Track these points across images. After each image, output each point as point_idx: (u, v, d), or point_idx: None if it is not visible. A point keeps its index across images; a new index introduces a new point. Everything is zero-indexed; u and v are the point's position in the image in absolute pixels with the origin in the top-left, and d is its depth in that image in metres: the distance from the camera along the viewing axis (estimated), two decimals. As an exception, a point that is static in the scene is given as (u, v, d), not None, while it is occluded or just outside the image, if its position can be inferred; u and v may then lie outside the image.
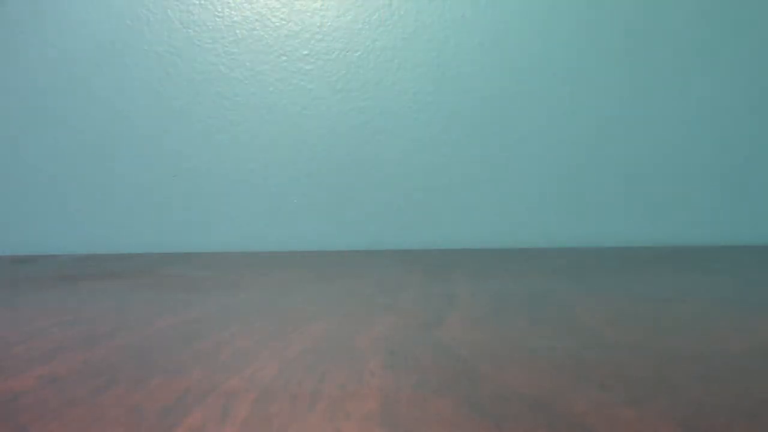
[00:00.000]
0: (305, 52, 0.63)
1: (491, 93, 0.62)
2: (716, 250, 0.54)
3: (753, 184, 0.61)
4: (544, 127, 0.62)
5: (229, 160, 0.62)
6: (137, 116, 0.63)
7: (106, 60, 0.63)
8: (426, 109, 0.62)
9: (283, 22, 0.63)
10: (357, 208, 0.62)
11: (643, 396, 0.15)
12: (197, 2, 0.63)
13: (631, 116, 0.61)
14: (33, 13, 0.63)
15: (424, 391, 0.16)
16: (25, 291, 0.36)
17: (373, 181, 0.61)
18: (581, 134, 0.61)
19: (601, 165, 0.61)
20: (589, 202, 0.61)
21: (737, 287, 0.34)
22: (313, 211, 0.62)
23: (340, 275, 0.40)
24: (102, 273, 0.45)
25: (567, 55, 0.61)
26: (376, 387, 0.16)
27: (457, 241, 0.61)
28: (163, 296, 0.33)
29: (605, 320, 0.25)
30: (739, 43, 0.61)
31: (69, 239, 0.63)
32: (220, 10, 0.63)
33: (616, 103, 0.61)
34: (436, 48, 0.62)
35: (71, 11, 0.63)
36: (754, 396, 0.15)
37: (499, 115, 0.62)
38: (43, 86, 0.63)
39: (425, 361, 0.18)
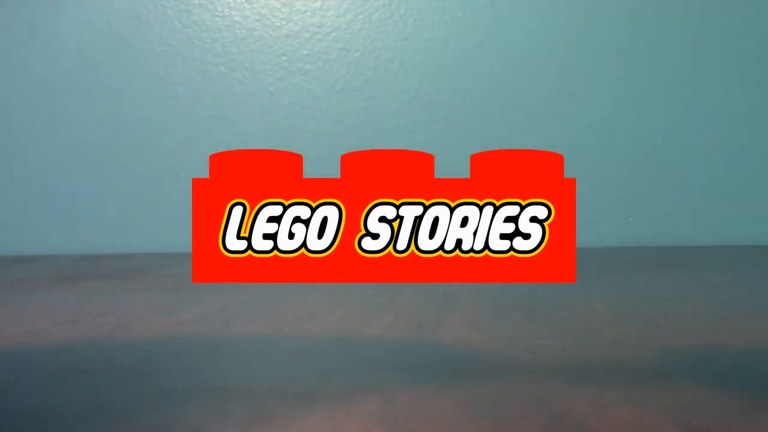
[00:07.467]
0: (305, 52, 0.63)
1: (492, 93, 0.62)
2: (716, 250, 0.54)
3: (753, 184, 0.61)
4: (544, 127, 0.62)
5: (229, 160, 0.62)
6: (137, 116, 0.63)
7: (105, 60, 0.63)
8: (426, 109, 0.62)
9: (283, 22, 0.63)
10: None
11: (644, 396, 0.15)
12: (197, 2, 0.63)
13: (631, 116, 0.61)
14: (30, 12, 0.63)
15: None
16: (25, 291, 0.36)
17: (373, 181, 0.61)
18: (581, 134, 0.61)
19: (601, 164, 0.61)
20: (588, 203, 0.61)
21: (737, 287, 0.34)
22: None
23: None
24: (102, 273, 0.45)
25: (568, 55, 0.61)
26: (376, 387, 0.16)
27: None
28: (163, 296, 0.33)
29: (605, 320, 0.25)
30: (741, 42, 0.61)
31: (68, 239, 0.63)
32: (220, 10, 0.63)
33: (615, 102, 0.61)
34: (436, 48, 0.62)
35: (70, 11, 0.63)
36: (755, 396, 0.15)
37: (499, 116, 0.62)
38: (42, 86, 0.63)
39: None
